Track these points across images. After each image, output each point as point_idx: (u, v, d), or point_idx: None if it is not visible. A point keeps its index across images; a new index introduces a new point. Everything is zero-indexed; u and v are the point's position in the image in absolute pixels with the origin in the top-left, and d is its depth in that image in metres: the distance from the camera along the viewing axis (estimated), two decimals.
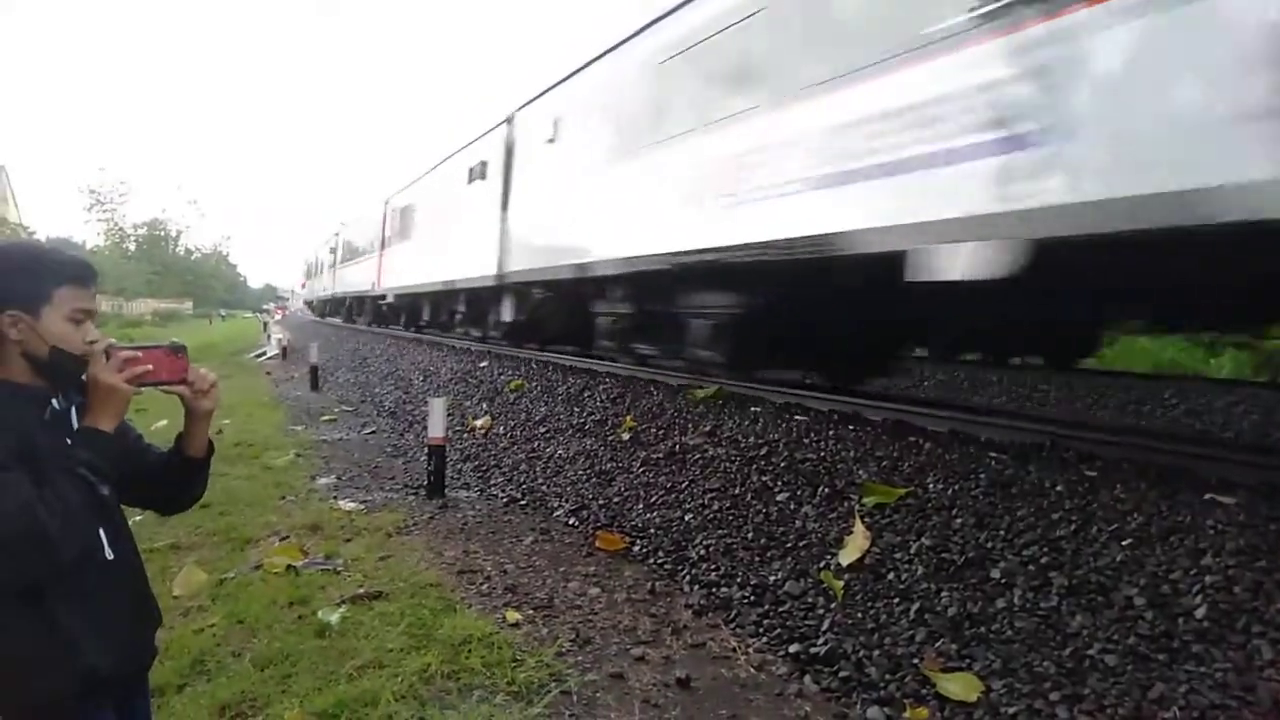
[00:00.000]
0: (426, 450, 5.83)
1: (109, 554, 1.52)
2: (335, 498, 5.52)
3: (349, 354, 16.22)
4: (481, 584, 3.85)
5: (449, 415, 6.33)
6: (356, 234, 25.87)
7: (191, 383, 1.62)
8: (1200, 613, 2.51)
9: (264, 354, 21.76)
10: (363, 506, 5.28)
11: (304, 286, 44.91)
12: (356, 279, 25.00)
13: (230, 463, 6.43)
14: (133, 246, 52.62)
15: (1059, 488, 3.45)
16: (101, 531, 1.50)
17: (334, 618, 3.31)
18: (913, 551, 3.34)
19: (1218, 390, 7.85)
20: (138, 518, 1.74)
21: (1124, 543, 2.94)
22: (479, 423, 7.61)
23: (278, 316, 44.16)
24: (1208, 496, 3.13)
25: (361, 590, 3.65)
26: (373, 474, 6.41)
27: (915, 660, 2.79)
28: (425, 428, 6.21)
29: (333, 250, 31.46)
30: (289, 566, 4.00)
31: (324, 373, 13.52)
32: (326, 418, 9.49)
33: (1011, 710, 2.45)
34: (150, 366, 1.55)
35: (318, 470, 6.49)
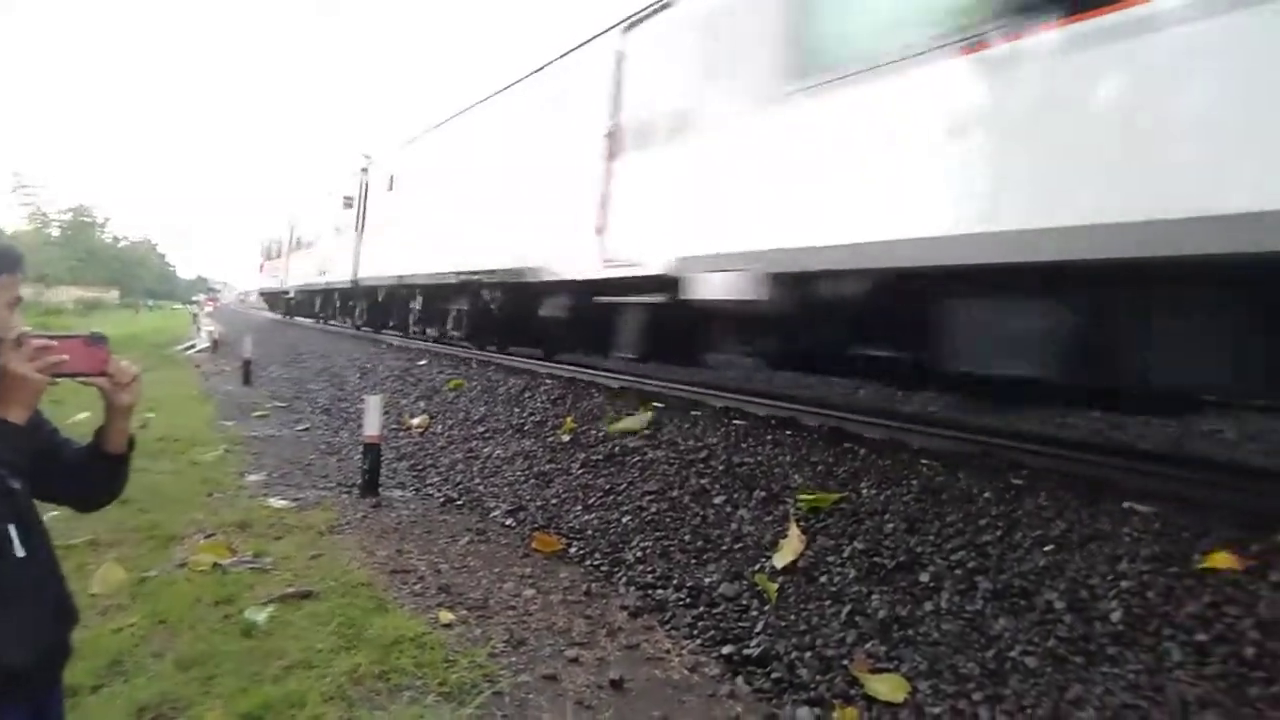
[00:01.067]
0: (361, 448, 5.73)
1: (19, 551, 1.46)
2: (265, 495, 5.38)
3: (283, 349, 15.85)
4: (415, 584, 3.80)
5: (385, 413, 6.23)
6: (449, 162, 11.87)
7: (112, 375, 1.56)
8: (1116, 616, 2.60)
9: (193, 347, 21.12)
10: (294, 504, 5.17)
11: (263, 270, 31.96)
12: (442, 253, 11.20)
13: (154, 458, 6.22)
14: (56, 231, 50.58)
15: (987, 495, 3.55)
16: (12, 528, 1.44)
17: (261, 617, 3.23)
18: (845, 555, 3.40)
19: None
20: (53, 513, 1.68)
21: (1046, 549, 3.03)
22: (416, 421, 7.51)
23: (208, 309, 42.50)
24: (1126, 505, 3.25)
25: (290, 589, 3.57)
26: (305, 471, 6.27)
27: (845, 662, 2.84)
28: (360, 425, 6.11)
29: (350, 205, 17.22)
30: (215, 565, 3.89)
31: (256, 367, 13.18)
32: (258, 413, 9.25)
33: (936, 710, 2.51)
34: (66, 357, 1.49)
35: (248, 467, 6.32)
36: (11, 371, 1.42)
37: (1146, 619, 2.56)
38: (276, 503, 5.16)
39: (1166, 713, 2.24)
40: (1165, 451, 5.69)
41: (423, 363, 10.24)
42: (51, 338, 1.49)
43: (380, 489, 5.57)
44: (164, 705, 2.61)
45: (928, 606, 2.96)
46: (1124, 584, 2.72)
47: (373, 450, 5.58)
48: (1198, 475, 3.92)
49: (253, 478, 5.94)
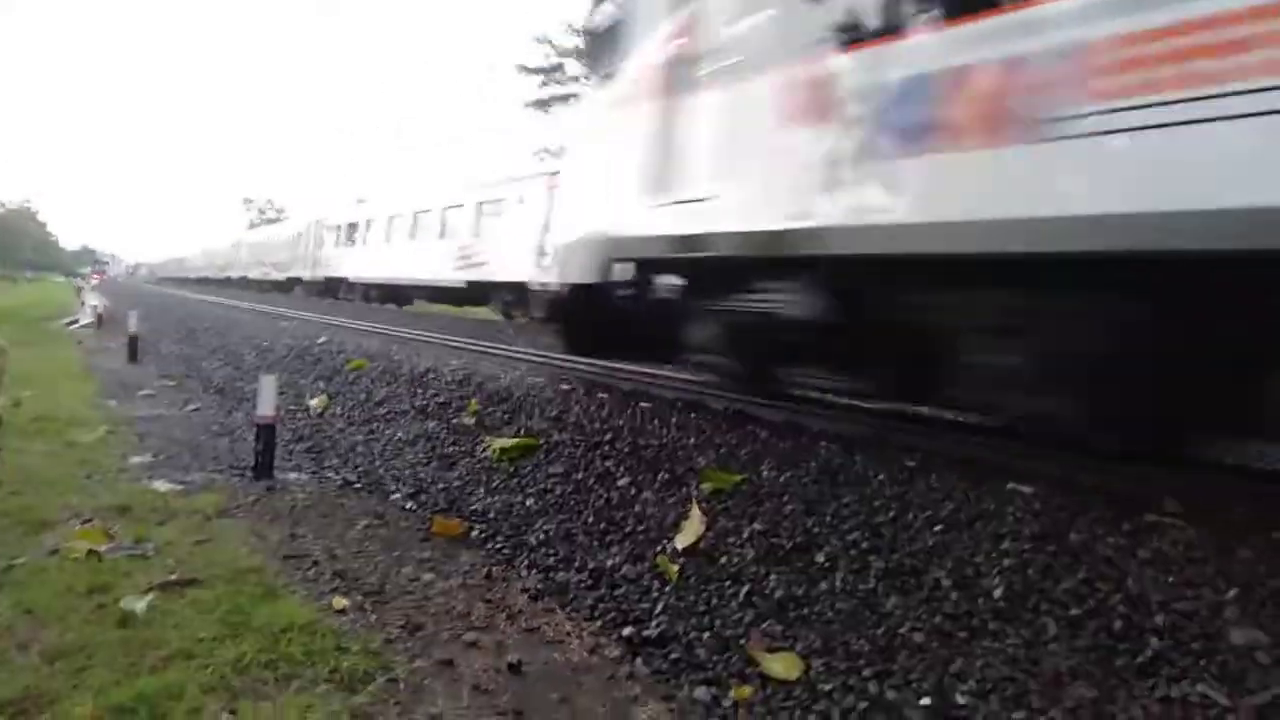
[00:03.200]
0: (255, 429, 5.51)
1: None
2: (149, 478, 5.12)
3: (174, 325, 15.14)
4: (308, 569, 3.68)
5: (282, 394, 6.02)
6: None
7: None
8: (998, 593, 2.71)
9: (76, 322, 19.98)
10: (180, 487, 4.93)
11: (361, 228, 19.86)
12: None
13: (27, 438, 5.85)
14: None
15: (881, 477, 3.65)
16: None
17: (139, 606, 3.06)
18: (745, 536, 3.44)
19: None
20: None
21: (936, 528, 3.13)
22: (314, 402, 7.28)
23: (94, 282, 40.18)
24: (1010, 486, 3.39)
25: (173, 577, 3.40)
26: (194, 453, 5.99)
27: (742, 641, 2.88)
28: (255, 405, 5.87)
29: None
30: (90, 551, 3.66)
31: (145, 344, 12.53)
32: (145, 392, 8.80)
33: (828, 687, 2.56)
34: None
35: (131, 448, 6.00)
36: None
37: (1026, 595, 2.67)
38: (161, 486, 4.92)
39: (1041, 683, 2.34)
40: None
41: (322, 340, 9.93)
42: None
43: (275, 472, 5.37)
44: (27, 700, 2.45)
45: (823, 586, 3.03)
46: (1006, 562, 2.83)
47: (267, 431, 5.37)
48: (1076, 457, 4.12)
49: (136, 460, 5.64)
